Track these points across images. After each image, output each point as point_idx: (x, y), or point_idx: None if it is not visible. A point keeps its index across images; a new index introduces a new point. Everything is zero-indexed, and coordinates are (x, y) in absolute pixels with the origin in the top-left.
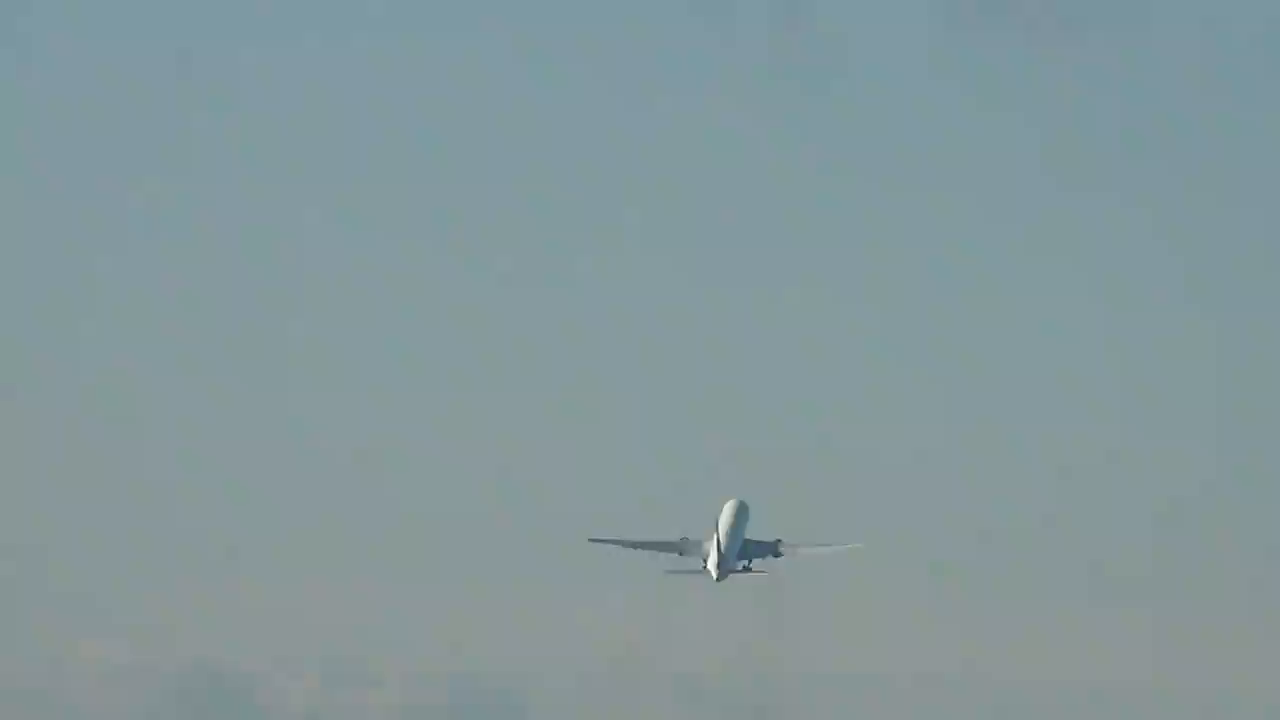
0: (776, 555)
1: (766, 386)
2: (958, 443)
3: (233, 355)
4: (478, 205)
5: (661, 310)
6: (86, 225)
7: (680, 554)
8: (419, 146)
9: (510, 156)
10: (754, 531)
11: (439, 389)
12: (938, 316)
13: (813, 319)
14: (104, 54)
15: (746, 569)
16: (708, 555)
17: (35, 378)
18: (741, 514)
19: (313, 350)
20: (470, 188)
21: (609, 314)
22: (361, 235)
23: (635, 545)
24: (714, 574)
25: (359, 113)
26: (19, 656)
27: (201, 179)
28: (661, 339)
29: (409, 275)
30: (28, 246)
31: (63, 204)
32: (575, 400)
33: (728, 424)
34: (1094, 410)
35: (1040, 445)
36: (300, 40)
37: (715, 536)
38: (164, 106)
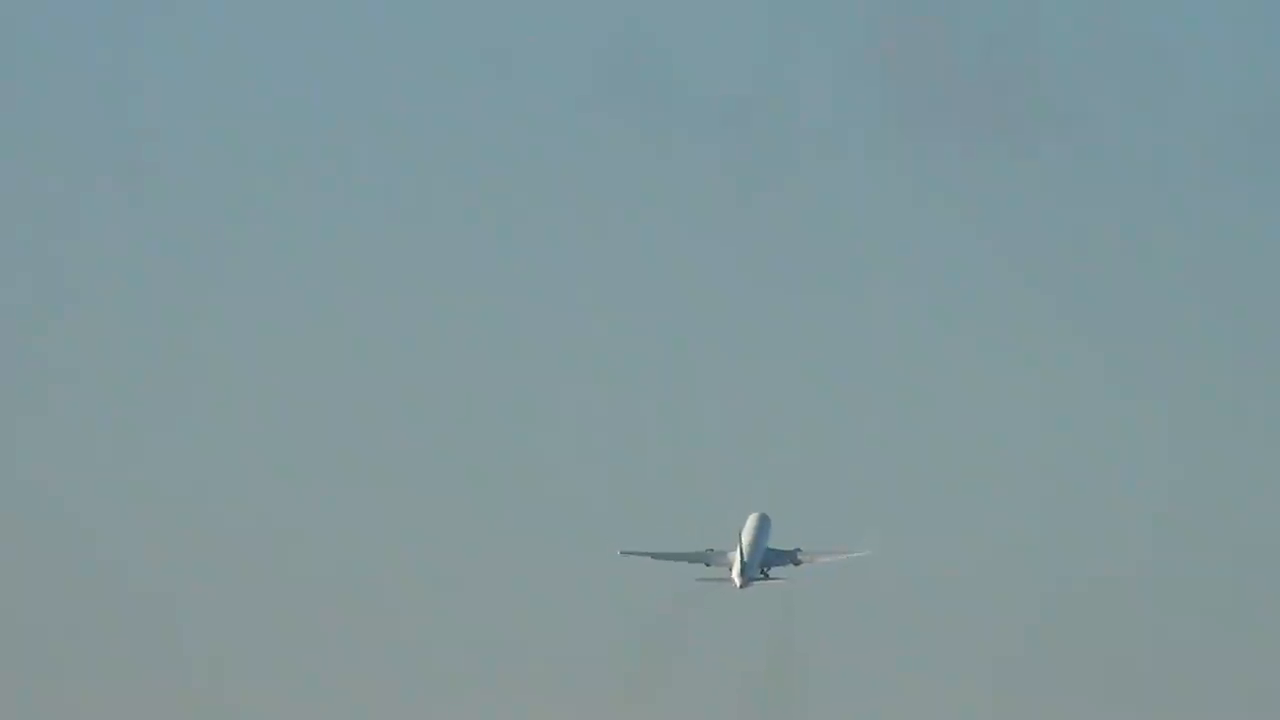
0: (796, 563)
1: (785, 406)
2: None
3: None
4: (502, 210)
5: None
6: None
7: (706, 564)
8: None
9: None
10: (774, 541)
11: (472, 405)
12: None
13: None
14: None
15: (765, 575)
16: (732, 565)
17: None
18: (763, 525)
19: (328, 354)
20: (480, 185)
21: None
22: (380, 242)
23: (664, 556)
24: (737, 582)
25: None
26: None
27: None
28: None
29: (431, 281)
30: None
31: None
32: (610, 421)
33: (750, 440)
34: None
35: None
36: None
37: (739, 547)
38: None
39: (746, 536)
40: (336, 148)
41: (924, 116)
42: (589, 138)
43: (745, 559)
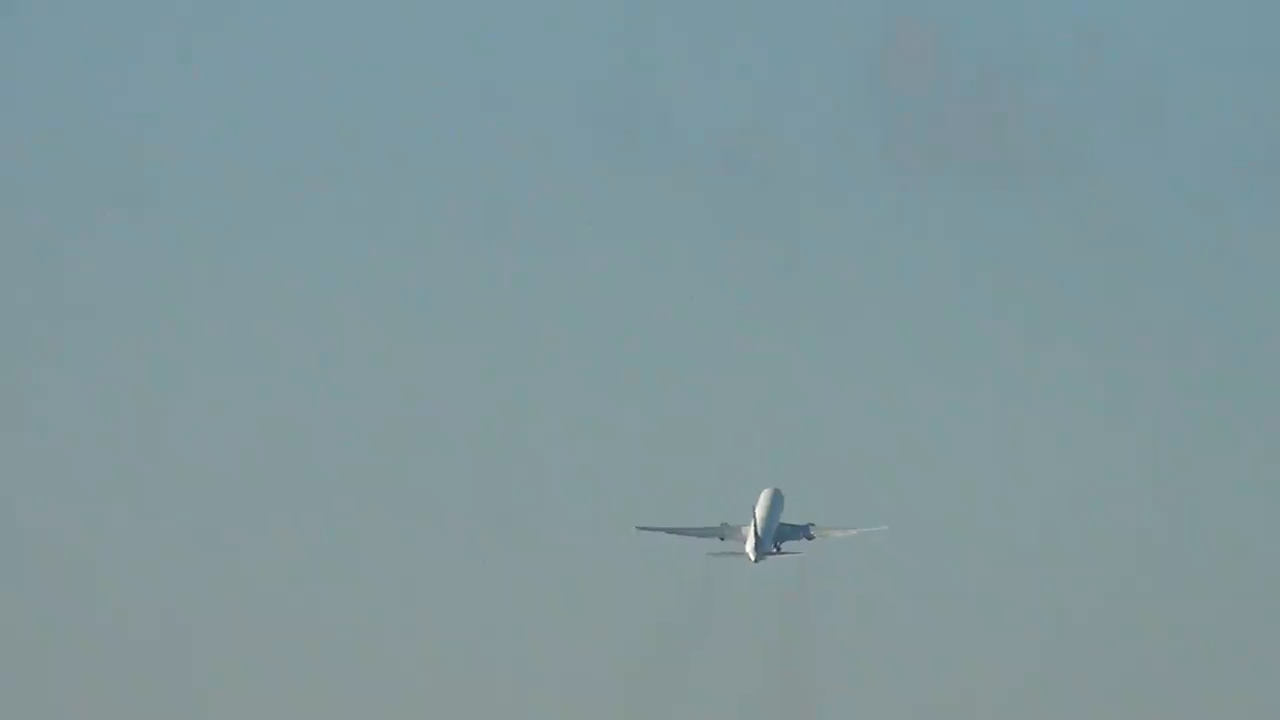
0: (809, 538)
1: (797, 385)
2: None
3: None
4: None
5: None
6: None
7: (721, 538)
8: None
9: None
10: (787, 516)
11: (492, 384)
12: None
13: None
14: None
15: (779, 550)
16: (746, 539)
17: None
18: (776, 501)
19: (356, 337)
20: (474, 218)
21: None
22: (375, 273)
23: (679, 532)
24: (751, 556)
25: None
26: None
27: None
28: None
29: (445, 264)
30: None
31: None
32: (627, 402)
33: (763, 418)
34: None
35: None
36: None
37: (753, 522)
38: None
39: (760, 512)
40: (326, 180)
41: (918, 158)
42: (582, 176)
43: (759, 534)
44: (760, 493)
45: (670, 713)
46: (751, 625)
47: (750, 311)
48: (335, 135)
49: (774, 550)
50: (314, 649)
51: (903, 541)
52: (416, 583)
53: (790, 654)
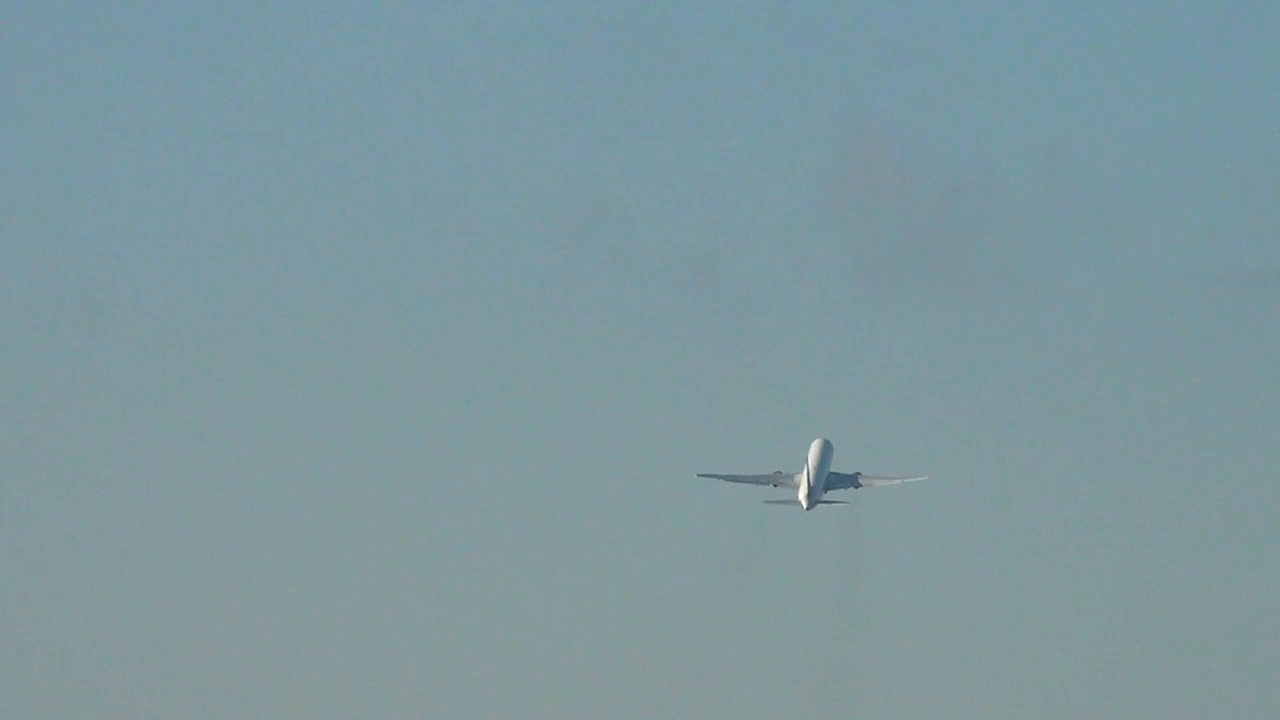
0: (856, 486)
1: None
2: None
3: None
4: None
5: None
6: None
7: (774, 486)
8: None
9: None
10: (837, 466)
11: (550, 351)
12: None
13: None
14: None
15: (827, 497)
16: (799, 487)
17: None
18: (827, 451)
19: (406, 311)
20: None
21: None
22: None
23: (736, 479)
24: (804, 503)
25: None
26: None
27: None
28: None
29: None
30: None
31: None
32: (689, 360)
33: (817, 373)
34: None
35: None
36: None
37: (805, 471)
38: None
39: (812, 460)
40: (286, 291)
41: (882, 271)
42: (548, 288)
43: (811, 482)
44: (811, 443)
45: (731, 644)
46: (805, 564)
47: None
48: (295, 242)
49: (824, 497)
50: (374, 601)
51: (943, 490)
52: (489, 524)
53: (841, 591)
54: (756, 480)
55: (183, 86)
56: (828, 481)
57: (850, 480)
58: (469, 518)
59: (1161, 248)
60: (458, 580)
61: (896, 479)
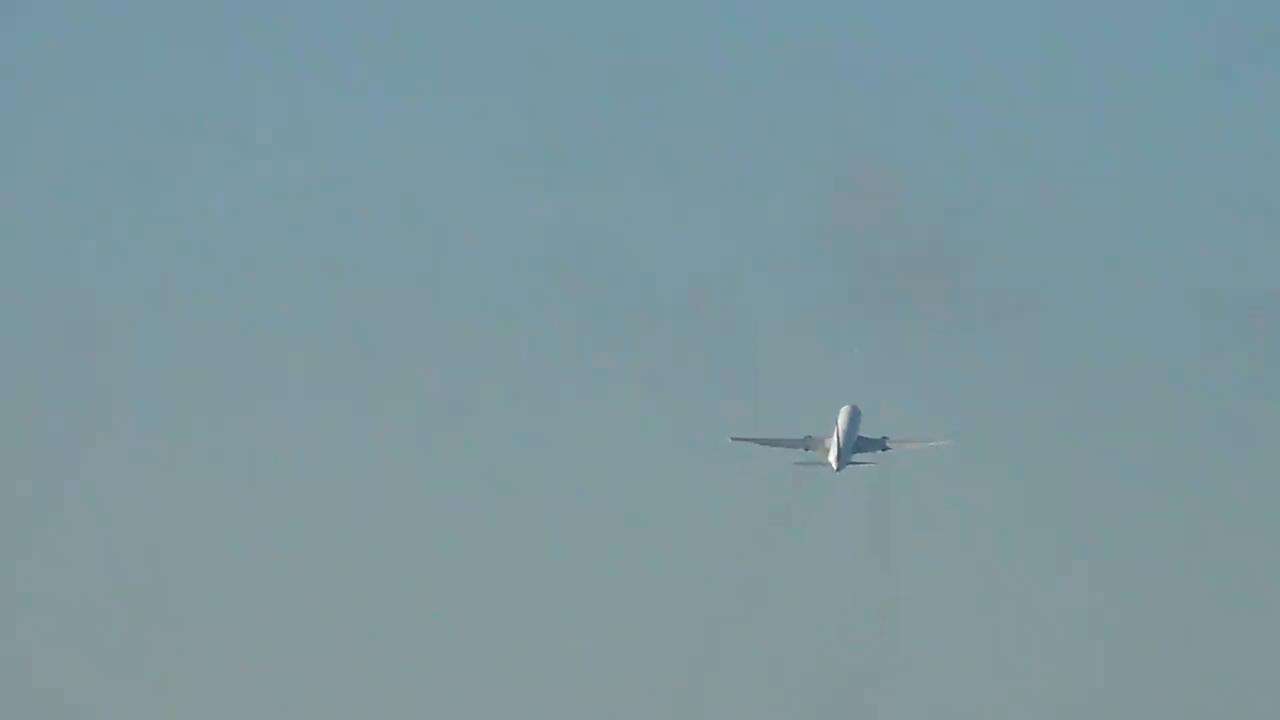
0: (884, 450)
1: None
2: None
3: None
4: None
5: None
6: None
7: (805, 449)
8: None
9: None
10: (865, 430)
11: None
12: None
13: None
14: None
15: (855, 460)
16: (829, 450)
17: None
18: (855, 416)
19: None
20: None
21: None
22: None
23: (769, 443)
24: (834, 465)
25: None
26: None
27: None
28: None
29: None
30: None
31: None
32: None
33: (840, 342)
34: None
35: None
36: None
37: (835, 434)
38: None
39: (841, 425)
40: (282, 327)
41: (878, 299)
42: (540, 324)
43: (841, 445)
44: (840, 409)
45: (771, 594)
46: (836, 523)
47: None
48: (285, 280)
49: (853, 460)
50: (411, 585)
51: (966, 453)
52: (533, 483)
53: (871, 546)
54: (788, 444)
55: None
56: (857, 444)
57: (878, 444)
58: (497, 503)
59: (1156, 275)
60: (502, 557)
61: (921, 443)
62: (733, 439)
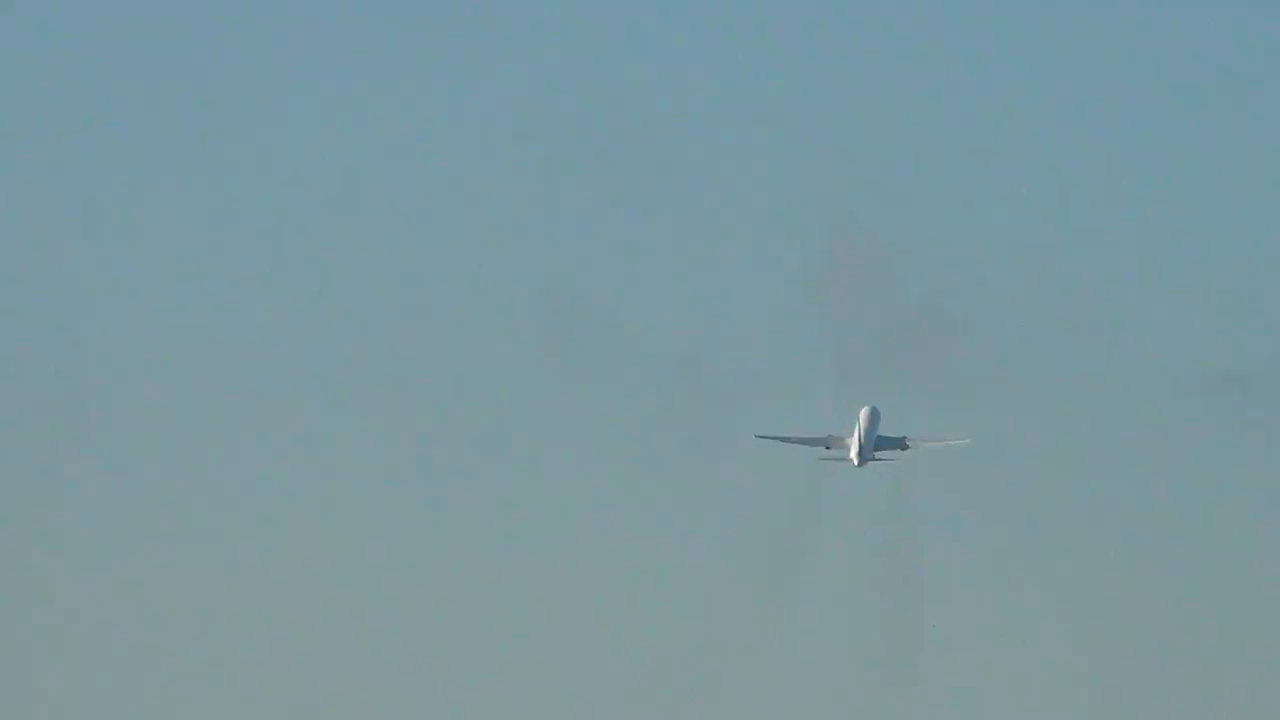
0: (903, 449)
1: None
2: None
3: None
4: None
5: None
6: None
7: (828, 447)
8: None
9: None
10: (884, 430)
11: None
12: None
13: None
14: None
15: (876, 456)
16: (850, 448)
17: None
18: (875, 416)
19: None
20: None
21: None
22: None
23: (792, 440)
24: (855, 462)
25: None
26: None
27: None
28: None
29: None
30: None
31: None
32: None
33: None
34: None
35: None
36: None
37: (856, 433)
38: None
39: (862, 425)
40: (272, 387)
41: (867, 365)
42: (530, 384)
43: (862, 443)
44: (861, 410)
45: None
46: (857, 518)
47: None
48: (273, 339)
49: (873, 458)
50: (427, 580)
51: (986, 451)
52: (556, 478)
53: (891, 542)
54: (811, 442)
55: (170, 169)
56: (877, 443)
57: (897, 443)
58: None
59: (1146, 347)
60: (523, 556)
61: (940, 441)
62: (757, 436)
